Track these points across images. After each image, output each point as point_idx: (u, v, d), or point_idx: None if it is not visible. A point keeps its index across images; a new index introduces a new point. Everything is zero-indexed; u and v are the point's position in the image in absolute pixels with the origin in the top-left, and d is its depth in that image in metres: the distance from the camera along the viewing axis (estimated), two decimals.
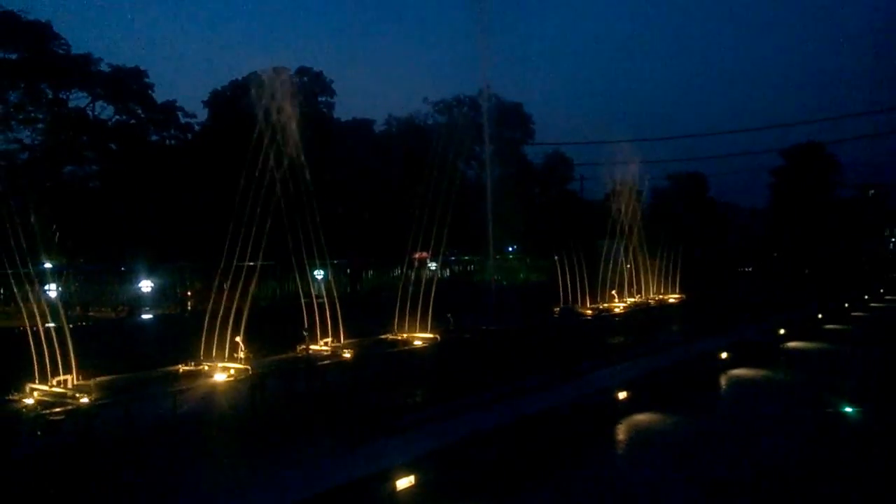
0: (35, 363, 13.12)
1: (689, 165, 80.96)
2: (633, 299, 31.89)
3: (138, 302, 32.83)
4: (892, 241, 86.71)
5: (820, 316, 32.60)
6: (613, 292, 30.99)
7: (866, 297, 43.72)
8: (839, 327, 32.12)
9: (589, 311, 28.24)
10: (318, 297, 18.47)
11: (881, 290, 48.63)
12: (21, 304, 14.21)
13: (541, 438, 12.77)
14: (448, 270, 50.06)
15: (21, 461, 10.86)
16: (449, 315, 22.38)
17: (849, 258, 69.41)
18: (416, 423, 12.30)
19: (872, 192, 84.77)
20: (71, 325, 28.32)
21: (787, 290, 45.13)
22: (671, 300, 34.28)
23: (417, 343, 19.63)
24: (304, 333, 17.05)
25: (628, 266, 32.48)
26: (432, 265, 49.27)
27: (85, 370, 14.00)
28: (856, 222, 78.41)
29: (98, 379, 13.91)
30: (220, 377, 14.67)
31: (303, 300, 18.22)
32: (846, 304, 37.95)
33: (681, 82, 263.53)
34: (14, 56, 43.27)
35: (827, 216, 75.07)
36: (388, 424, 12.06)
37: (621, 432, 14.10)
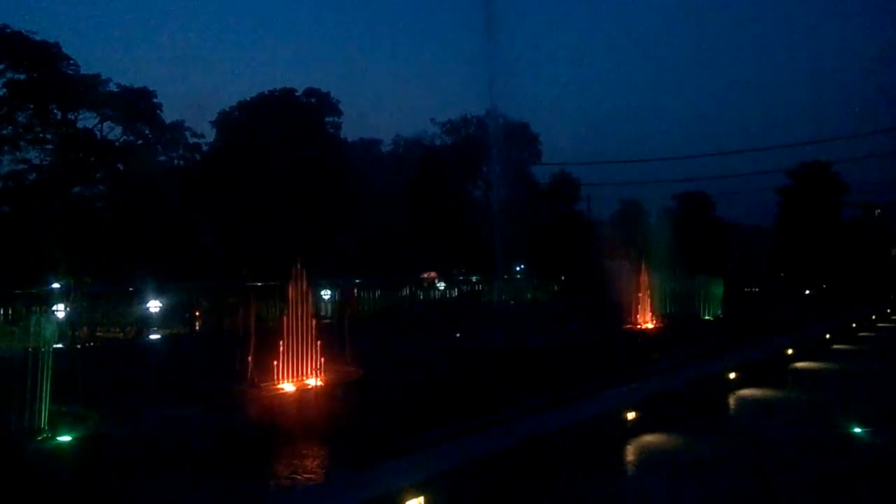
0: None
1: (695, 185, 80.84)
2: (641, 319, 31.88)
3: (146, 322, 32.95)
4: None
5: (827, 336, 32.52)
6: (622, 312, 31.01)
7: (873, 316, 43.67)
8: (847, 347, 32.08)
9: (597, 331, 28.24)
10: (325, 316, 18.53)
11: (888, 310, 48.61)
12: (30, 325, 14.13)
13: (555, 457, 12.77)
14: (456, 290, 50.14)
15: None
16: (458, 335, 22.40)
17: (855, 277, 69.31)
18: (424, 443, 12.13)
19: (878, 211, 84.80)
20: (78, 346, 28.48)
21: (794, 309, 45.08)
22: (678, 321, 34.22)
23: (428, 361, 19.59)
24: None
25: (635, 286, 32.49)
26: (440, 285, 49.60)
27: (92, 394, 13.98)
28: (862, 242, 78.40)
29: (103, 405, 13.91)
30: (227, 400, 14.68)
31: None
32: (853, 324, 37.89)
33: (686, 102, 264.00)
34: (23, 76, 43.58)
35: (833, 235, 75.06)
36: (395, 446, 11.88)
37: (630, 453, 14.07)
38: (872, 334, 37.86)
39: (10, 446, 11.53)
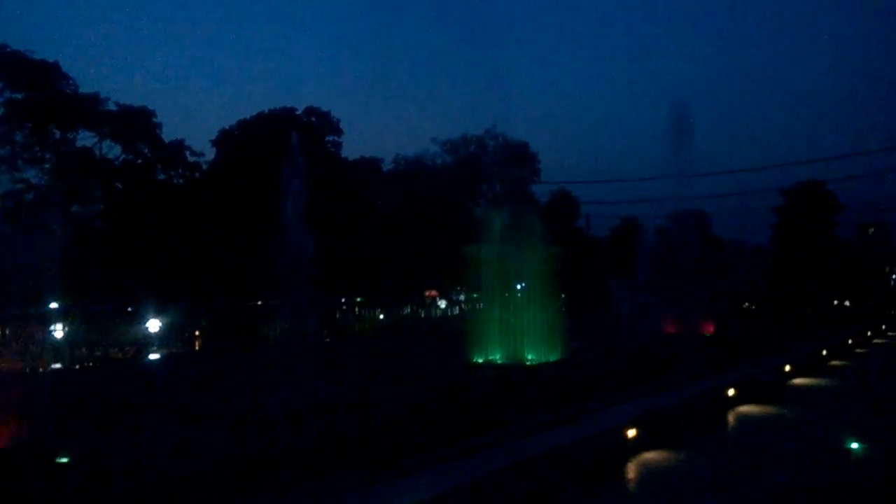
0: None
1: (692, 203, 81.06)
2: (641, 336, 31.89)
3: (146, 342, 32.91)
4: (893, 279, 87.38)
5: (824, 352, 32.69)
6: (621, 329, 31.07)
7: (868, 333, 43.92)
8: (843, 363, 32.33)
9: (597, 349, 28.30)
10: (326, 336, 18.60)
11: (883, 327, 48.93)
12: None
13: (558, 474, 12.91)
14: (457, 308, 50.29)
15: None
16: (459, 352, 22.35)
17: (851, 296, 69.74)
18: (427, 462, 12.18)
19: (872, 230, 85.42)
20: (77, 366, 28.40)
21: (792, 327, 45.24)
22: (677, 338, 34.23)
23: (429, 378, 19.55)
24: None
25: (634, 304, 32.58)
26: (441, 303, 49.72)
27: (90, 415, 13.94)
28: (857, 260, 78.88)
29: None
30: (226, 419, 14.63)
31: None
32: (849, 341, 38.08)
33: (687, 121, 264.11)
34: (21, 96, 43.55)
35: (828, 254, 75.37)
36: (397, 465, 11.92)
37: (631, 471, 14.11)
38: (868, 350, 38.08)
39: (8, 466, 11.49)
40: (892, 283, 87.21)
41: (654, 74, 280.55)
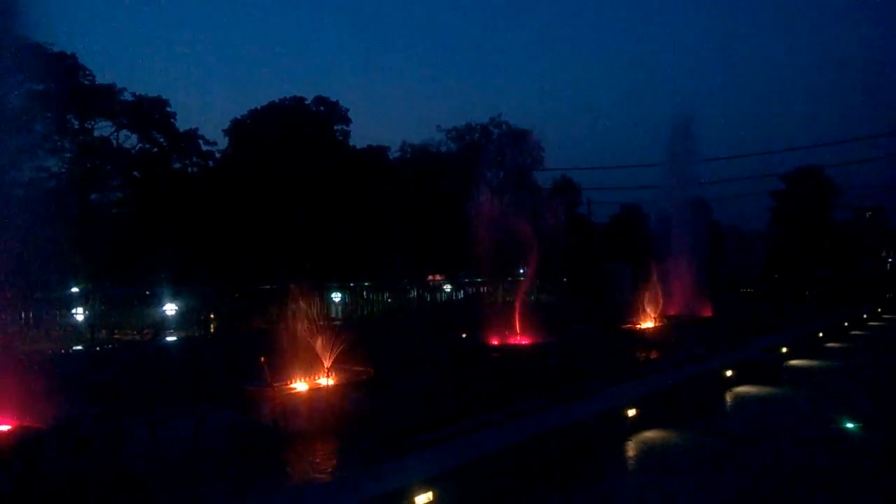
0: None
1: (692, 189, 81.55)
2: (641, 319, 32.47)
3: (163, 325, 33.75)
4: (889, 262, 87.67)
5: (821, 335, 33.01)
6: (622, 313, 31.58)
7: (865, 316, 44.25)
8: (840, 345, 32.56)
9: (598, 331, 28.80)
10: (336, 318, 19.15)
11: (879, 310, 49.29)
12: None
13: (562, 452, 13.40)
14: (462, 292, 51.02)
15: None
16: (464, 335, 22.76)
17: (848, 279, 70.13)
18: (434, 440, 12.38)
19: (869, 214, 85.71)
20: (97, 348, 29.29)
21: (789, 310, 45.67)
22: (676, 321, 34.78)
23: (435, 360, 19.86)
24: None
25: (634, 288, 33.06)
26: (447, 287, 50.33)
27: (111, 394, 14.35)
28: (854, 244, 79.36)
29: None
30: (241, 399, 15.10)
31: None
32: (846, 323, 38.40)
33: (683, 107, 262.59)
34: (41, 87, 44.19)
35: (825, 238, 75.87)
36: (405, 443, 12.14)
37: (632, 448, 14.59)
38: (864, 332, 38.37)
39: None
40: (889, 266, 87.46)
41: (656, 62, 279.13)
